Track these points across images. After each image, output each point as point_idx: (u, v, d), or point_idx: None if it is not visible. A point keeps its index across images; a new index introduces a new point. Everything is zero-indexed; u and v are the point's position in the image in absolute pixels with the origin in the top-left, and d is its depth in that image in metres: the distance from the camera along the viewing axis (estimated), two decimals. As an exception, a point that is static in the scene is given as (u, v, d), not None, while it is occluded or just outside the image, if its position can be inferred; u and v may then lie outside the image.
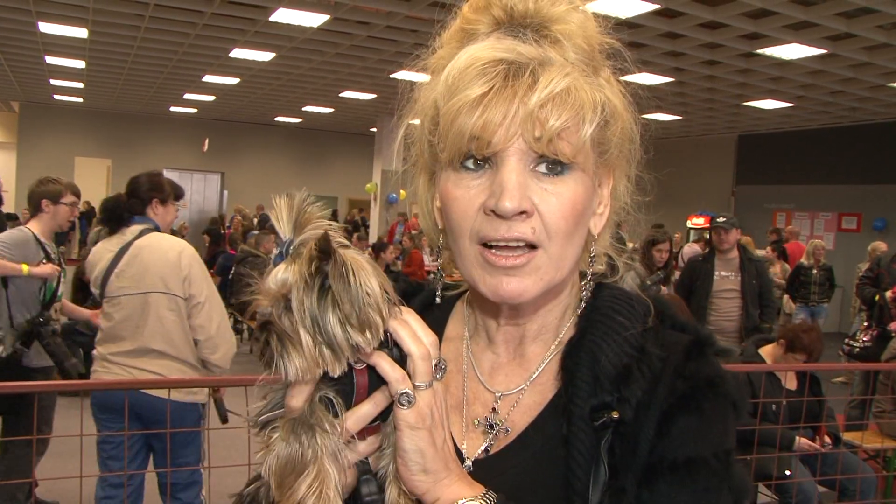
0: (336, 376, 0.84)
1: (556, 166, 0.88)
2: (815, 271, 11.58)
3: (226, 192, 24.43)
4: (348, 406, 0.87)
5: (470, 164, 0.90)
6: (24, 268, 4.60)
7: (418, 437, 0.84)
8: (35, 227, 4.82)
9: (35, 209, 4.83)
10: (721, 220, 6.99)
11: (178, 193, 4.40)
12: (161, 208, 4.17)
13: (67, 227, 5.09)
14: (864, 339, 7.90)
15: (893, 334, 7.50)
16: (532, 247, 0.88)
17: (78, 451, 3.33)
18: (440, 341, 1.06)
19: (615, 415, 0.88)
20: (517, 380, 1.00)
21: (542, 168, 0.88)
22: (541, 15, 0.91)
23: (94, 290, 4.09)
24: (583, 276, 1.01)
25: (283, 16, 10.52)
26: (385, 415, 0.87)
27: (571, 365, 0.93)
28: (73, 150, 22.88)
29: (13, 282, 4.65)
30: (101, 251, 4.05)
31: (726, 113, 16.58)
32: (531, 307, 0.98)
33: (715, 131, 19.60)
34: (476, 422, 1.00)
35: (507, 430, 0.97)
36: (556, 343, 1.00)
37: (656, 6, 9.07)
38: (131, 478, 3.88)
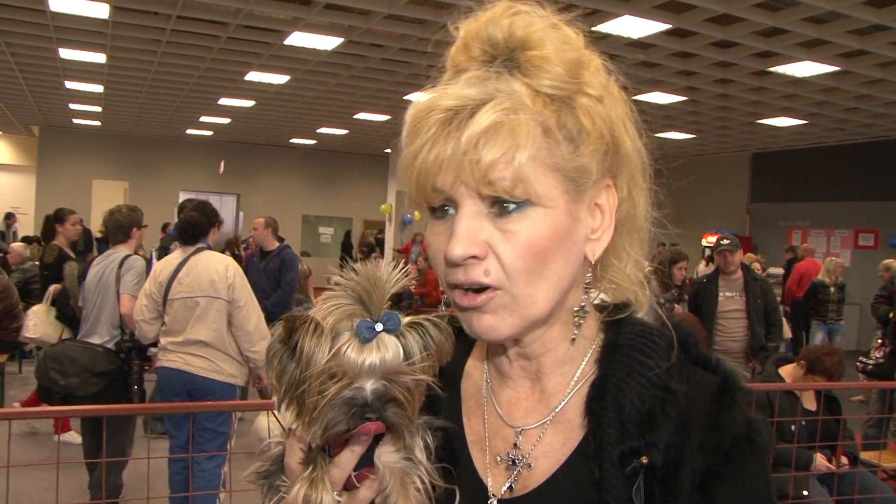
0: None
1: (507, 205, 0.86)
2: (832, 289, 11.52)
3: (241, 214, 24.58)
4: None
5: (436, 211, 0.91)
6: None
7: None
8: (127, 250, 5.57)
9: (126, 236, 5.56)
10: (726, 242, 6.96)
11: (220, 221, 5.58)
12: (216, 232, 5.42)
13: None
14: (878, 355, 7.87)
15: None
16: (494, 286, 0.88)
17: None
18: (461, 376, 1.09)
19: (644, 460, 0.87)
20: (537, 415, 0.99)
21: (496, 209, 0.86)
22: (515, 40, 0.90)
23: (157, 295, 4.94)
24: (602, 307, 1.00)
25: (297, 39, 10.64)
26: (370, 458, 0.88)
27: (598, 409, 0.92)
28: (91, 172, 23.12)
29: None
30: (165, 264, 5.05)
31: (740, 131, 16.56)
32: (537, 343, 0.97)
33: (729, 149, 19.57)
34: (498, 458, 0.99)
35: (530, 466, 0.96)
36: (577, 376, 0.98)
37: (668, 26, 9.11)
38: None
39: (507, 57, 0.91)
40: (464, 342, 1.11)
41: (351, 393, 0.82)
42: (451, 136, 0.85)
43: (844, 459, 4.79)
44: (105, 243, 20.92)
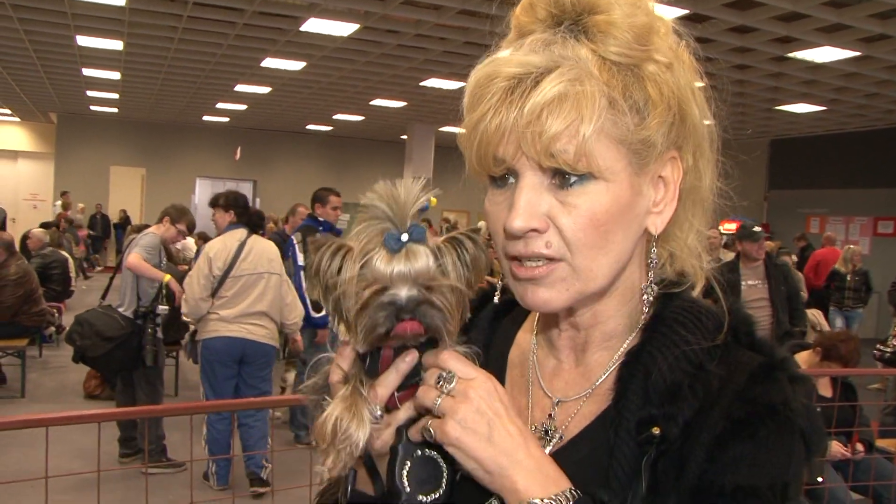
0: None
1: (569, 178, 0.84)
2: (849, 277, 11.51)
3: (258, 200, 24.67)
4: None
5: (496, 180, 0.90)
6: (166, 278, 6.12)
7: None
8: (156, 231, 6.39)
9: (160, 219, 6.46)
10: (758, 229, 6.92)
11: None
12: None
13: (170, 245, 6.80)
14: (895, 343, 7.82)
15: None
16: (556, 258, 0.87)
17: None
18: (510, 347, 1.09)
19: (656, 430, 0.84)
20: (577, 388, 0.97)
21: (557, 181, 0.85)
22: (582, 3, 0.87)
23: (219, 272, 5.53)
24: (659, 281, 0.97)
25: (313, 25, 10.64)
26: (415, 379, 0.91)
27: (626, 375, 0.90)
28: (109, 159, 23.26)
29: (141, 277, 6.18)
30: (220, 245, 5.66)
31: (758, 117, 16.42)
32: (588, 314, 0.95)
33: (747, 136, 19.42)
34: (534, 427, 0.98)
35: (561, 437, 0.95)
36: (621, 351, 0.95)
37: (685, 11, 9.03)
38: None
39: (574, 20, 0.88)
40: (516, 314, 1.11)
41: (387, 298, 0.85)
42: (514, 106, 0.83)
43: (860, 446, 4.78)
44: (122, 230, 21.05)
